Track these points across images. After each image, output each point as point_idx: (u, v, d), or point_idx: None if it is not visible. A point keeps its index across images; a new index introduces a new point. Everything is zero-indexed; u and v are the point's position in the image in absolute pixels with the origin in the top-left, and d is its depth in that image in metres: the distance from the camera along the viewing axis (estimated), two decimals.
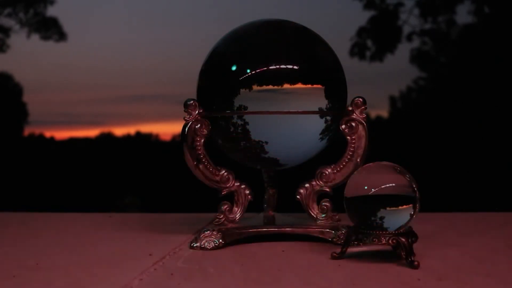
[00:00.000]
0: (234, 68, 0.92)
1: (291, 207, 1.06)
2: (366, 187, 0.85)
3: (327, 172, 0.99)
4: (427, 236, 0.96)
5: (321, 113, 0.93)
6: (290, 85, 0.91)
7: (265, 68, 0.92)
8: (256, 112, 0.91)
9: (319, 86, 0.93)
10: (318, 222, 0.99)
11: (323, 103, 0.93)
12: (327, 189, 0.99)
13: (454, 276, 0.78)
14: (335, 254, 0.86)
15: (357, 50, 6.63)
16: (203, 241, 0.94)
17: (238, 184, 0.99)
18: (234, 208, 0.99)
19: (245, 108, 0.91)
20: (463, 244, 0.97)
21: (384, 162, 0.88)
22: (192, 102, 0.95)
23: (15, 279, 0.78)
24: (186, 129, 0.95)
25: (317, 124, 0.94)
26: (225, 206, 0.98)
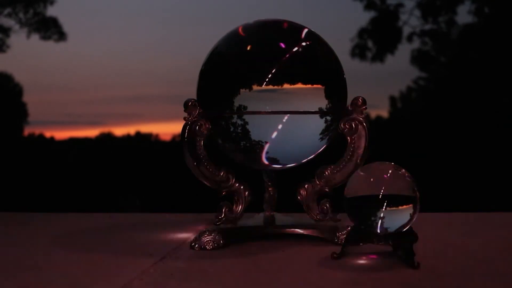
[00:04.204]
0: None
1: (291, 207, 1.06)
2: (366, 187, 0.85)
3: (327, 172, 0.99)
4: (427, 236, 0.96)
5: (321, 113, 0.93)
6: (290, 85, 0.91)
7: (265, 68, 0.92)
8: (256, 112, 0.91)
9: (319, 86, 0.93)
10: (318, 222, 0.99)
11: (323, 103, 0.93)
12: (327, 189, 0.99)
13: (454, 276, 0.78)
14: (335, 254, 0.86)
15: (358, 51, 6.63)
16: (203, 241, 0.94)
17: (238, 184, 0.99)
18: (234, 208, 0.99)
19: (245, 108, 0.91)
20: (463, 244, 0.97)
21: (384, 162, 0.88)
22: (192, 102, 0.95)
23: (15, 279, 0.78)
24: (186, 129, 0.95)
25: (317, 124, 0.94)
26: (225, 206, 0.98)
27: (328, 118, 0.94)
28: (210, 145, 0.97)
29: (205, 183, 0.98)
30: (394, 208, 0.83)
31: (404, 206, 0.83)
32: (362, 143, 0.98)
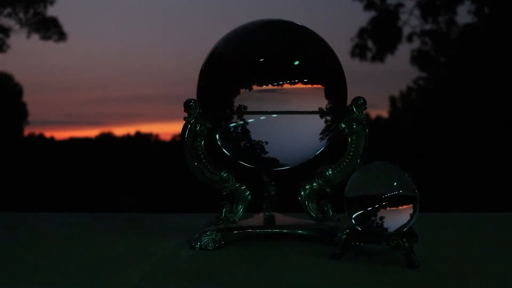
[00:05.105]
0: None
1: (291, 207, 1.06)
2: (366, 187, 0.85)
3: (327, 172, 0.99)
4: (427, 236, 0.96)
5: (321, 113, 0.93)
6: (290, 85, 0.91)
7: (265, 68, 0.92)
8: (256, 112, 0.91)
9: (319, 86, 0.93)
10: (318, 222, 0.99)
11: (323, 103, 0.93)
12: (327, 189, 0.99)
13: (454, 276, 0.78)
14: (335, 254, 0.86)
15: (358, 51, 6.64)
16: (203, 241, 0.94)
17: (238, 184, 0.99)
18: (234, 208, 0.99)
19: (245, 108, 0.91)
20: (463, 244, 0.97)
21: (384, 162, 0.88)
22: (192, 102, 0.95)
23: (15, 279, 0.78)
24: (186, 129, 0.95)
25: (317, 124, 0.94)
26: (225, 206, 0.98)
27: (328, 118, 0.94)
28: (210, 145, 0.97)
29: (205, 183, 0.98)
30: (394, 208, 0.83)
31: (404, 206, 0.83)
32: (362, 143, 0.98)
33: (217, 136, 0.97)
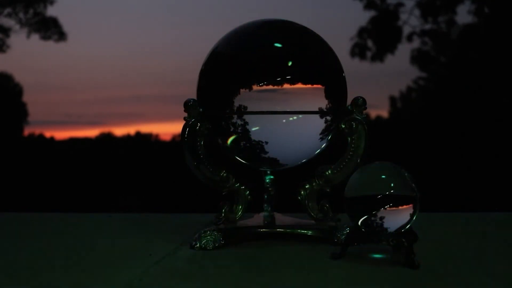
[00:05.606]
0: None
1: (291, 207, 1.06)
2: (366, 187, 0.85)
3: (327, 172, 0.99)
4: (427, 236, 0.96)
5: (321, 113, 0.93)
6: (290, 85, 0.91)
7: (265, 68, 0.92)
8: (256, 112, 0.91)
9: (319, 86, 0.93)
10: (318, 222, 0.99)
11: (323, 103, 0.93)
12: (327, 189, 0.99)
13: (454, 276, 0.78)
14: (335, 254, 0.86)
15: (358, 51, 6.64)
16: (203, 241, 0.94)
17: (238, 184, 0.99)
18: (234, 208, 0.99)
19: (245, 108, 0.91)
20: (463, 244, 0.97)
21: (384, 162, 0.88)
22: (192, 102, 0.95)
23: (15, 279, 0.78)
24: (186, 129, 0.95)
25: (317, 124, 0.94)
26: (225, 206, 0.98)
27: (328, 118, 0.94)
28: (210, 145, 0.97)
29: (205, 183, 0.98)
30: (394, 208, 0.83)
31: (404, 206, 0.83)
32: (362, 143, 0.98)
33: (217, 136, 0.97)
